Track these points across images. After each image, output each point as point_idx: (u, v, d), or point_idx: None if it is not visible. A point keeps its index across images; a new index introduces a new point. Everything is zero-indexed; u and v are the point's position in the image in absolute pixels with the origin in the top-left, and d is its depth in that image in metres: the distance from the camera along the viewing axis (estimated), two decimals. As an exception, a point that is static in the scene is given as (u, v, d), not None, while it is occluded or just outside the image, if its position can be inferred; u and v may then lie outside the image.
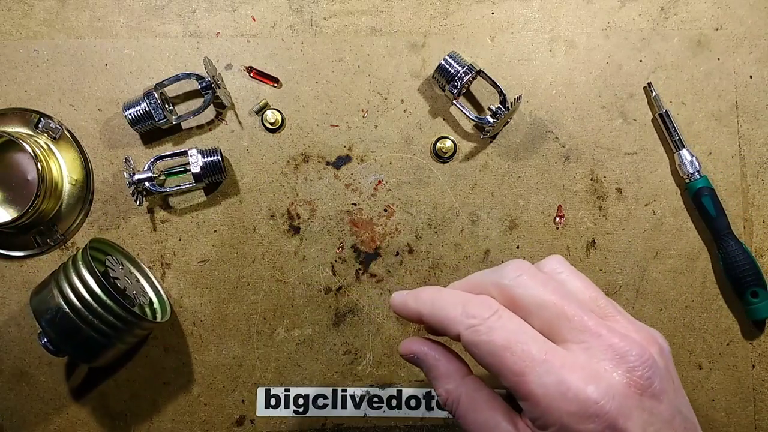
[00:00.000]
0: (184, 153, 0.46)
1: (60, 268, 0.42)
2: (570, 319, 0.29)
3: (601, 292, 0.31)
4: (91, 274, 0.40)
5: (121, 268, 0.44)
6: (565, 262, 0.33)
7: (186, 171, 0.46)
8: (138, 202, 0.45)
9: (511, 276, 0.31)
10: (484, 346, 0.29)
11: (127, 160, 0.45)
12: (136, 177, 0.45)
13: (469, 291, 0.32)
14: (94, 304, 0.40)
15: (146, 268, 0.47)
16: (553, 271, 0.32)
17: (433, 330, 0.32)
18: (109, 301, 0.40)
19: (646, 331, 0.30)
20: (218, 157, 0.45)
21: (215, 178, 0.46)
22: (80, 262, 0.41)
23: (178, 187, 0.47)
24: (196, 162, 0.45)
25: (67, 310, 0.40)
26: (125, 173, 0.45)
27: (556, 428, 0.28)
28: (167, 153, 0.47)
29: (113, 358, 0.44)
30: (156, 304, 0.46)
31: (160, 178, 0.47)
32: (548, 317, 0.30)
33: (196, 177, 0.45)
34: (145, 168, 0.46)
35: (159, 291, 0.47)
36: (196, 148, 0.46)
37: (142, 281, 0.46)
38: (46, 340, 0.41)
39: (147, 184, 0.46)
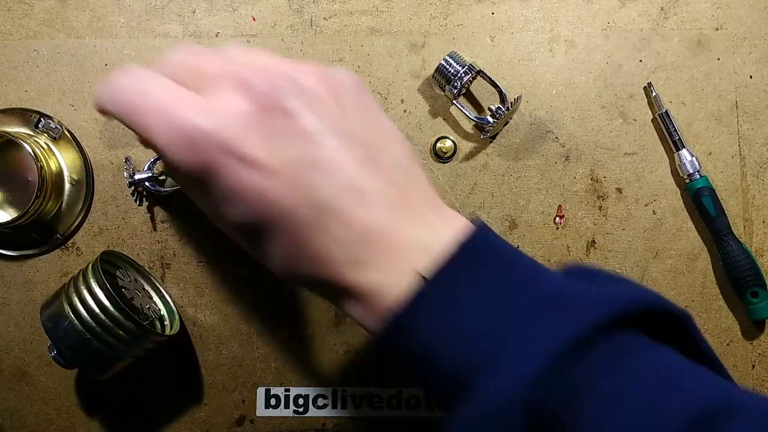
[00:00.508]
0: None
1: (71, 281, 0.42)
2: (205, 70, 0.29)
3: (269, 55, 0.31)
4: (102, 290, 0.40)
5: (131, 281, 0.44)
6: (242, 46, 0.32)
7: None
8: (138, 202, 0.45)
9: (169, 51, 0.31)
10: (118, 112, 0.30)
11: (127, 160, 0.45)
12: (136, 177, 0.45)
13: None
14: (106, 320, 0.39)
15: (153, 279, 0.47)
16: (226, 48, 0.32)
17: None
18: (120, 317, 0.40)
19: (311, 66, 0.30)
20: None
21: None
22: (91, 277, 0.40)
23: (178, 187, 0.46)
24: None
25: (78, 324, 0.39)
26: (125, 173, 0.45)
27: (180, 166, 0.28)
28: None
29: (121, 370, 0.44)
30: (165, 316, 0.46)
31: (160, 178, 0.47)
32: (186, 72, 0.30)
33: None
34: (145, 168, 0.46)
35: (168, 303, 0.46)
36: None
37: (152, 293, 0.46)
38: (56, 353, 0.41)
39: (147, 184, 0.45)
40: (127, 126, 0.30)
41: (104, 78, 0.30)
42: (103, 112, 0.31)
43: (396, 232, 0.28)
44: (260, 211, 0.27)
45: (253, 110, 0.27)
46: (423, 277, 0.27)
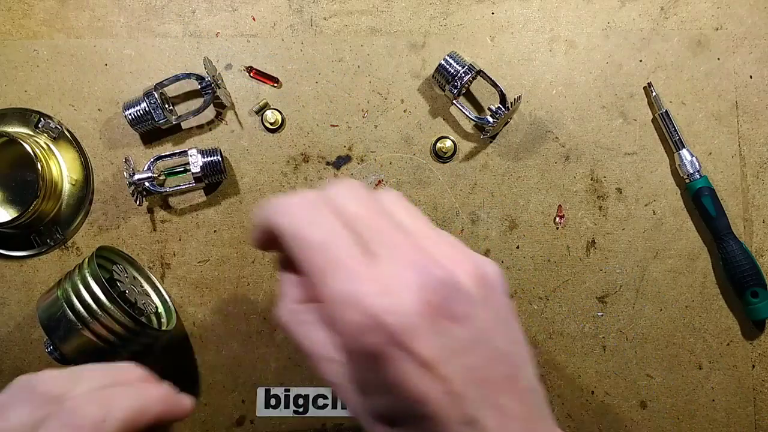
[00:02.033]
0: (184, 153, 0.46)
1: (66, 276, 0.42)
2: (380, 232, 0.29)
3: (429, 223, 0.31)
4: (96, 281, 0.40)
5: (127, 277, 0.44)
6: (401, 198, 0.32)
7: (186, 171, 0.46)
8: (138, 202, 0.45)
9: (335, 189, 0.31)
10: (295, 240, 0.29)
11: (126, 160, 0.45)
12: (136, 177, 0.45)
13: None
14: (101, 314, 0.40)
15: (151, 275, 0.47)
16: (386, 199, 0.32)
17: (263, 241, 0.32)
18: (116, 311, 0.40)
19: (467, 256, 0.30)
20: (218, 157, 0.45)
21: (215, 178, 0.46)
22: (86, 269, 0.41)
23: (178, 187, 0.46)
24: (196, 162, 0.45)
25: (74, 319, 0.39)
26: (125, 173, 0.45)
27: (347, 340, 0.27)
28: (167, 153, 0.47)
29: None
30: (162, 312, 0.46)
31: (160, 178, 0.47)
32: (362, 227, 0.29)
33: (196, 177, 0.45)
34: (145, 168, 0.46)
35: (164, 298, 0.46)
36: (196, 148, 0.46)
37: (148, 289, 0.46)
38: (52, 348, 0.41)
39: (147, 184, 0.46)
40: (285, 245, 0.29)
41: (278, 198, 0.30)
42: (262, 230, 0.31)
43: None
44: (413, 409, 0.27)
45: (427, 306, 0.27)
46: None
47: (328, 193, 0.31)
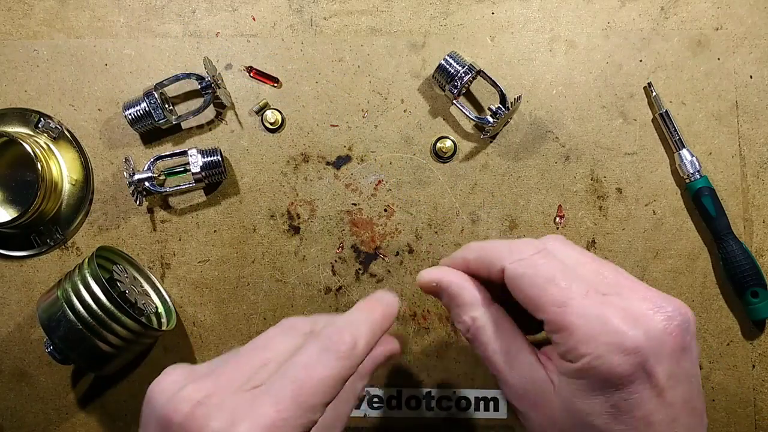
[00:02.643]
0: (184, 153, 0.46)
1: (66, 276, 0.42)
2: (606, 276, 0.31)
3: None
4: (95, 281, 0.40)
5: (127, 277, 0.44)
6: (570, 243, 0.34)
7: (186, 171, 0.46)
8: (138, 201, 0.45)
9: (549, 240, 0.33)
10: (528, 278, 0.30)
11: (126, 160, 0.45)
12: (136, 177, 0.45)
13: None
14: (101, 314, 0.40)
15: (151, 275, 0.47)
16: (556, 250, 0.33)
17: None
18: (116, 311, 0.40)
19: (672, 298, 0.31)
20: (218, 157, 0.45)
21: (215, 178, 0.46)
22: (86, 269, 0.41)
23: (178, 187, 0.46)
24: (196, 162, 0.45)
25: (74, 319, 0.39)
26: (125, 173, 0.45)
27: (588, 359, 0.28)
28: (167, 153, 0.47)
29: (119, 367, 0.44)
30: (161, 312, 0.46)
31: (160, 178, 0.47)
32: (585, 273, 0.31)
33: (196, 177, 0.45)
34: (145, 168, 0.46)
35: (164, 298, 0.46)
36: (196, 148, 0.46)
37: (148, 289, 0.46)
38: (52, 348, 0.41)
39: (147, 184, 0.46)
40: (518, 291, 0.31)
41: (485, 242, 0.33)
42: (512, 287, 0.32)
43: None
44: (635, 429, 0.28)
45: (669, 338, 0.28)
46: None
47: (541, 243, 0.32)
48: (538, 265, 0.30)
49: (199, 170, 0.45)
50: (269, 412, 0.25)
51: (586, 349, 0.28)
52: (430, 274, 0.33)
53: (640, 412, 0.28)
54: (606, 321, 0.28)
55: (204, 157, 0.45)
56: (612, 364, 0.28)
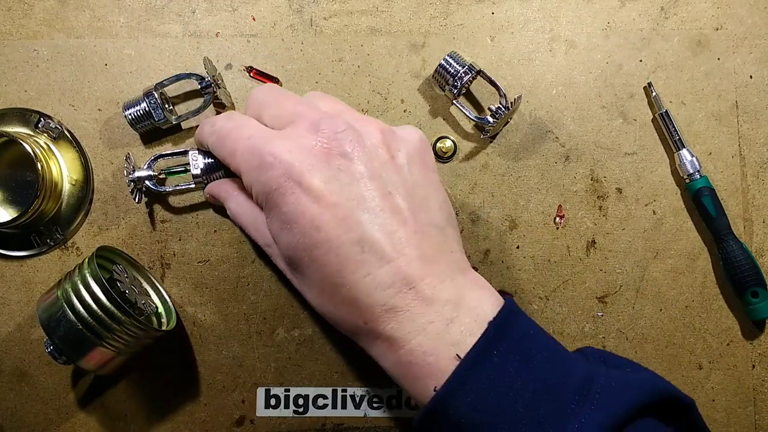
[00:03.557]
0: (185, 153, 0.46)
1: (66, 276, 0.42)
2: (286, 109, 0.36)
3: (344, 105, 0.38)
4: (95, 281, 0.40)
5: (127, 277, 0.44)
6: (322, 93, 0.40)
7: (186, 171, 0.46)
8: (137, 199, 0.45)
9: (255, 92, 0.39)
10: (215, 144, 0.38)
11: (127, 158, 0.45)
12: (136, 174, 0.45)
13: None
14: (98, 311, 0.40)
15: (151, 276, 0.47)
16: (308, 94, 0.40)
17: None
18: (113, 308, 0.40)
19: (378, 122, 0.35)
20: (215, 159, 0.45)
21: (215, 178, 0.46)
22: (86, 269, 0.41)
23: (177, 187, 0.46)
24: (197, 163, 0.45)
25: (74, 319, 0.39)
26: (125, 170, 0.45)
27: (253, 187, 0.34)
28: (168, 152, 0.47)
29: (119, 367, 0.44)
30: (162, 312, 0.46)
31: (160, 176, 0.47)
32: (272, 112, 0.36)
33: (197, 179, 0.45)
34: (145, 166, 0.46)
35: (164, 298, 0.46)
36: (197, 149, 0.46)
37: (148, 289, 0.46)
38: (52, 348, 0.41)
39: (147, 182, 0.45)
40: (217, 155, 0.39)
41: (208, 119, 0.41)
42: (200, 143, 0.42)
43: (427, 285, 0.30)
44: (310, 237, 0.31)
45: (317, 148, 0.32)
46: (458, 356, 0.29)
47: (248, 99, 0.39)
48: (221, 129, 0.37)
49: (199, 172, 0.45)
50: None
51: (248, 179, 0.34)
52: (208, 190, 0.44)
53: (304, 218, 0.31)
54: (254, 147, 0.33)
55: (205, 158, 0.45)
56: (261, 181, 0.32)
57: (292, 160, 0.32)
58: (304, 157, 0.32)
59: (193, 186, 0.46)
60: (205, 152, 0.45)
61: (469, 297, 0.31)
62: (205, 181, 0.46)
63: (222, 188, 0.42)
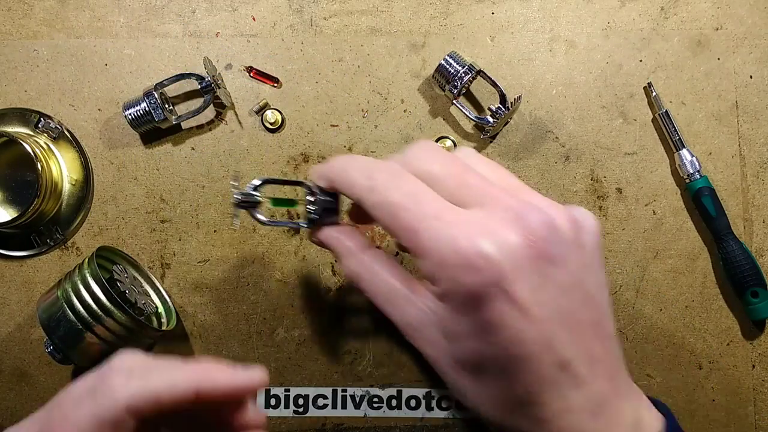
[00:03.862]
0: (299, 183, 0.36)
1: (66, 276, 0.42)
2: (471, 187, 0.29)
3: (514, 177, 0.31)
4: (95, 281, 0.40)
5: (127, 277, 0.44)
6: (476, 153, 0.32)
7: (294, 203, 0.40)
8: (237, 225, 0.41)
9: (415, 151, 0.31)
10: (381, 207, 0.29)
11: (236, 177, 0.37)
12: (243, 198, 0.35)
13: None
14: (98, 310, 0.40)
15: (151, 276, 0.47)
16: (463, 155, 0.32)
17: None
18: (112, 308, 0.40)
19: (559, 205, 0.30)
20: (334, 199, 0.35)
21: (329, 222, 0.35)
22: (86, 269, 0.41)
23: (281, 223, 0.40)
24: (314, 204, 0.35)
25: (74, 319, 0.40)
26: (234, 190, 0.36)
27: (446, 283, 0.27)
28: (277, 178, 0.41)
29: None
30: (162, 312, 0.46)
31: (267, 206, 0.41)
32: (451, 186, 0.29)
33: (312, 222, 0.35)
34: (250, 188, 0.36)
35: (164, 298, 0.46)
36: (312, 183, 0.35)
37: (148, 289, 0.46)
38: (52, 348, 0.41)
39: (253, 211, 0.36)
40: (377, 217, 0.30)
41: (355, 160, 0.31)
42: (332, 182, 0.33)
43: (615, 405, 0.28)
44: (507, 351, 0.27)
45: (525, 249, 0.27)
46: None
47: (406, 158, 0.31)
48: (390, 189, 0.29)
49: (318, 217, 0.35)
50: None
51: (442, 271, 0.27)
52: (316, 235, 0.34)
53: (507, 332, 0.26)
54: (455, 240, 0.27)
55: (323, 197, 0.35)
56: (465, 284, 0.26)
57: (504, 266, 0.26)
58: (515, 261, 0.26)
59: (303, 226, 0.36)
60: (325, 191, 0.35)
61: (644, 417, 0.29)
62: (319, 224, 0.35)
63: (343, 245, 0.33)
